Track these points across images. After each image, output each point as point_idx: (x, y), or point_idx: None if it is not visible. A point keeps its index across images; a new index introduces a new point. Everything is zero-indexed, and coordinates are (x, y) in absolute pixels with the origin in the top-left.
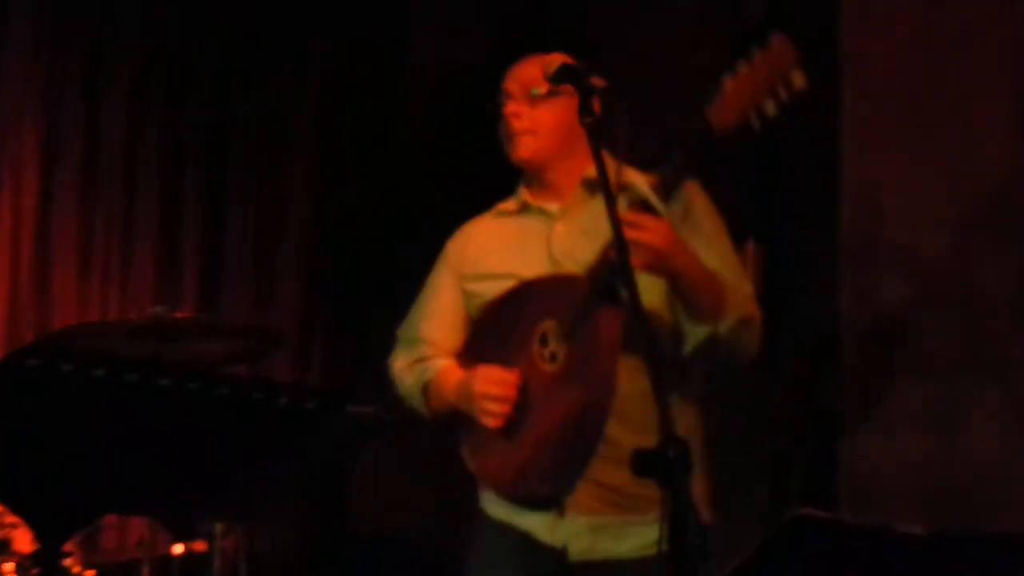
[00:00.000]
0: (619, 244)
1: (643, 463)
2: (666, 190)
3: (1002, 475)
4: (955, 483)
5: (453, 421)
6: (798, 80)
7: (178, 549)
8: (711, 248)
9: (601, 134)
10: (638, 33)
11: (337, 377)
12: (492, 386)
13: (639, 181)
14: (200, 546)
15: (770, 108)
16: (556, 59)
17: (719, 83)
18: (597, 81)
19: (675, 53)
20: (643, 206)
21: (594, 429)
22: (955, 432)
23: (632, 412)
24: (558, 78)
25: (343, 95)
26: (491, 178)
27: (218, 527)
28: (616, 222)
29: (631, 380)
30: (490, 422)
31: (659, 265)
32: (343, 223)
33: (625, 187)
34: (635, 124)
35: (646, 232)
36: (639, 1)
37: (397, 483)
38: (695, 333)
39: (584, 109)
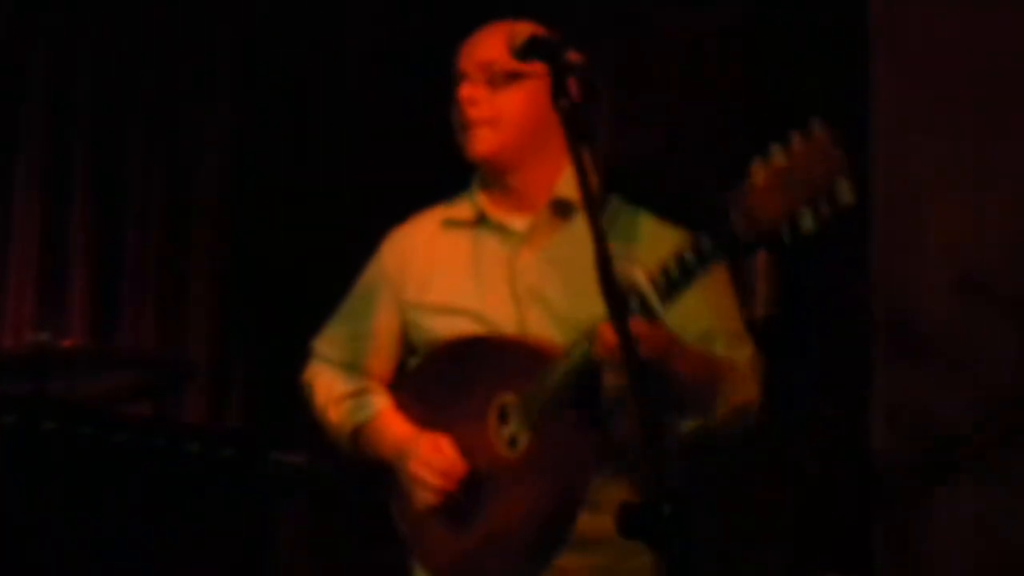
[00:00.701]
0: (615, 310)
1: (631, 521)
2: (669, 291)
3: None
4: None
5: (385, 471)
6: (845, 193)
7: None
8: (707, 301)
9: (579, 123)
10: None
11: (260, 417)
12: (431, 475)
13: (636, 273)
14: None
15: (807, 222)
16: (524, 29)
17: (746, 173)
18: (575, 57)
19: (664, 21)
20: (640, 303)
21: (561, 528)
22: (1016, 489)
23: (604, 499)
24: (526, 52)
25: (259, 83)
26: (437, 183)
27: None
28: (612, 293)
29: (604, 465)
30: (419, 506)
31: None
32: (264, 231)
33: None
34: (622, 115)
35: (639, 343)
36: None
37: (334, 550)
38: (681, 425)
39: (559, 90)
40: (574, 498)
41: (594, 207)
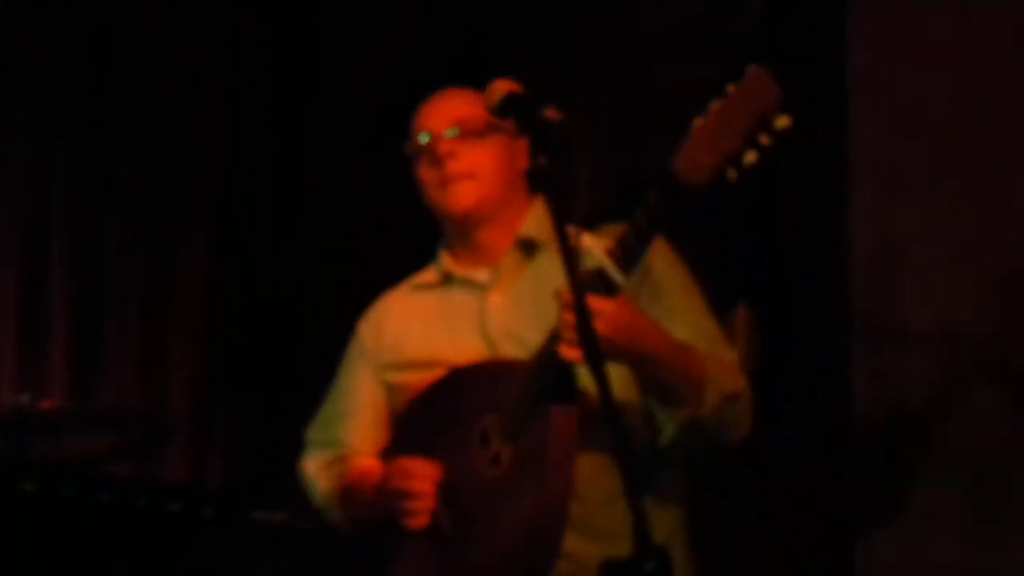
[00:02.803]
0: (582, 324)
1: None
2: (627, 259)
3: None
4: None
5: (375, 531)
6: (780, 121)
7: None
8: (677, 314)
9: (557, 180)
10: (600, 51)
11: (241, 475)
12: (408, 480)
13: (594, 246)
14: None
15: (749, 156)
16: (500, 86)
17: (688, 126)
18: (552, 113)
19: (648, 74)
20: (599, 278)
21: (549, 544)
22: (995, 539)
23: (595, 519)
24: (503, 109)
25: (244, 135)
26: (424, 225)
27: None
28: (579, 293)
29: (593, 482)
30: (412, 522)
31: (616, 353)
32: (246, 286)
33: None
34: (600, 164)
35: (602, 321)
36: (601, 14)
37: None
38: (671, 419)
39: (537, 148)
40: (563, 491)
41: (565, 235)
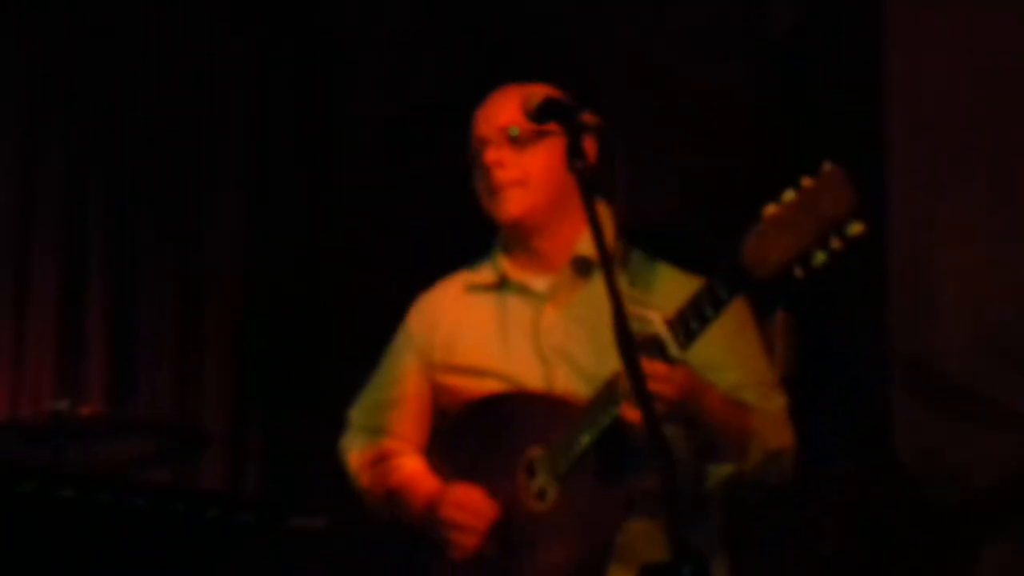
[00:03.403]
0: (637, 384)
1: None
2: (685, 335)
3: None
4: None
5: (415, 539)
6: (854, 228)
7: None
8: (731, 353)
9: (596, 183)
10: (626, 54)
11: (279, 482)
12: (460, 513)
13: (654, 317)
14: None
15: (818, 258)
16: (538, 91)
17: (758, 215)
18: (589, 118)
19: (650, 75)
20: (655, 345)
21: None
22: None
23: (635, 547)
24: (542, 114)
25: (272, 147)
26: (450, 235)
27: None
28: (634, 355)
29: (635, 515)
30: (455, 553)
31: (673, 416)
32: (279, 296)
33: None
34: (638, 175)
35: (659, 383)
36: (626, 16)
37: None
38: (716, 472)
39: (574, 152)
40: (603, 549)
41: (609, 264)
